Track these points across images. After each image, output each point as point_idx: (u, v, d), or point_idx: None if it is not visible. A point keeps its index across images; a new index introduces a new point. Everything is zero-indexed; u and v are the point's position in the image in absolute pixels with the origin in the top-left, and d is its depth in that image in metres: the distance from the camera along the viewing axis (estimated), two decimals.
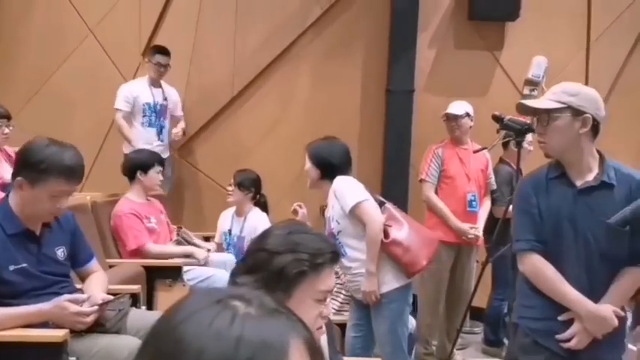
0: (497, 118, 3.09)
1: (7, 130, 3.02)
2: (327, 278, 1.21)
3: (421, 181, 3.41)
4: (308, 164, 2.43)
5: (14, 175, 1.84)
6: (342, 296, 2.79)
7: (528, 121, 3.23)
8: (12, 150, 2.87)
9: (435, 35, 4.47)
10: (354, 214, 2.26)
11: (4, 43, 4.35)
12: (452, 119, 3.37)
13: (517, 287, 1.90)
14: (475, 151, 3.33)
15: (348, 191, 2.30)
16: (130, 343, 1.84)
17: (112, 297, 1.93)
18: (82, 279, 2.06)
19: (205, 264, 3.04)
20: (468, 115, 3.41)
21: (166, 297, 2.66)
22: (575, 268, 1.71)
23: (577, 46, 4.46)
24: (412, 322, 2.93)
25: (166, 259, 2.92)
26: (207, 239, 3.69)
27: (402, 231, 2.28)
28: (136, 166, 3.09)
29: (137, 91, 3.92)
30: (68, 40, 4.34)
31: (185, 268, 2.86)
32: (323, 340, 1.80)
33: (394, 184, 4.39)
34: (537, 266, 1.73)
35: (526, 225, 1.76)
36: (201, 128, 4.42)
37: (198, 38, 4.33)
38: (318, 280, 1.20)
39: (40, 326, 1.77)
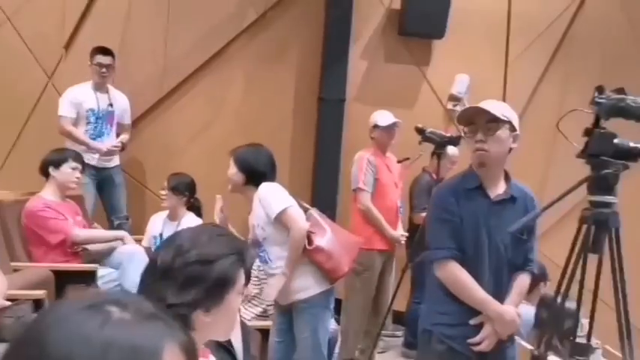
0: (419, 130, 3.25)
1: None
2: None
3: (357, 189, 3.41)
4: (233, 169, 2.43)
5: None
6: (265, 302, 2.80)
7: (448, 134, 3.42)
8: None
9: (367, 47, 4.61)
10: (280, 221, 2.29)
11: None
12: (387, 129, 3.45)
13: (429, 294, 1.93)
14: (399, 161, 3.47)
15: (274, 198, 2.33)
16: None
17: (9, 303, 1.82)
18: None
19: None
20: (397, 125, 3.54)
21: None
22: (486, 274, 1.83)
23: (496, 65, 4.76)
24: (333, 326, 2.99)
25: (96, 243, 2.80)
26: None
27: (325, 237, 2.32)
28: (47, 161, 2.95)
29: (81, 96, 3.72)
30: None
31: (100, 273, 2.75)
32: (238, 344, 1.81)
33: (324, 191, 4.47)
34: (456, 273, 1.80)
35: (445, 233, 1.82)
36: None
37: (127, 34, 4.19)
38: (242, 274, 1.20)
39: None
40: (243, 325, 1.90)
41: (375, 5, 4.58)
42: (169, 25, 4.24)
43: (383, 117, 3.50)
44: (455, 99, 4.05)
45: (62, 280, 2.50)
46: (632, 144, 1.62)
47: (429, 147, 3.45)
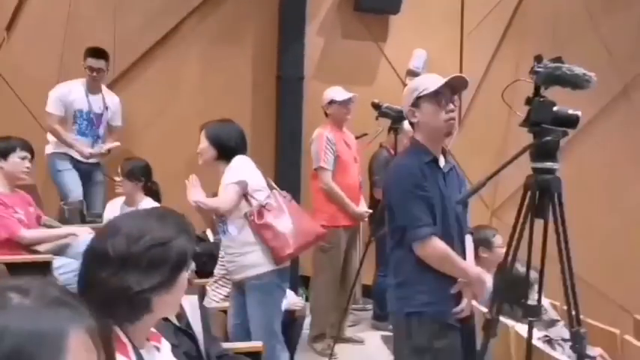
0: (375, 106, 3.27)
1: None
2: None
3: (319, 169, 3.40)
4: (204, 144, 2.42)
5: None
6: (230, 285, 2.80)
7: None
8: None
9: (323, 24, 4.58)
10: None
11: None
12: (344, 104, 3.46)
13: (404, 276, 1.86)
14: (357, 137, 3.49)
15: (235, 170, 2.36)
16: None
17: None
18: None
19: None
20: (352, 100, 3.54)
21: None
22: (455, 242, 1.88)
23: (452, 41, 4.81)
24: (300, 303, 3.03)
25: (45, 243, 2.73)
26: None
27: (279, 218, 2.34)
28: None
29: (73, 95, 3.63)
30: None
31: (56, 264, 2.68)
32: (198, 327, 1.82)
33: (287, 170, 4.47)
34: (440, 248, 1.81)
35: (423, 210, 1.81)
36: None
37: (73, 11, 4.02)
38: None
39: None
40: (202, 307, 1.90)
41: None
42: (116, 2, 4.10)
43: (338, 92, 3.50)
44: (413, 74, 4.06)
45: (16, 273, 2.43)
46: (570, 111, 1.68)
47: (387, 122, 3.49)
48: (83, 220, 3.45)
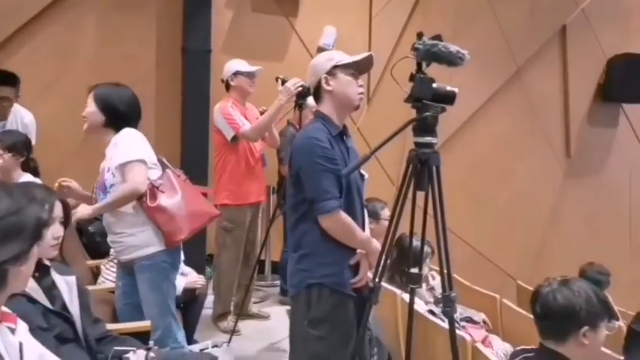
0: (280, 80, 3.24)
1: None
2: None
3: (240, 134, 3.25)
4: (92, 107, 2.22)
5: None
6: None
7: (308, 84, 3.44)
8: None
9: None
10: (122, 171, 2.16)
11: None
12: (250, 76, 3.38)
13: (309, 248, 1.87)
14: (261, 112, 3.44)
15: (127, 147, 2.18)
16: None
17: None
18: None
19: None
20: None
21: None
22: (357, 214, 1.93)
23: (361, 19, 4.87)
24: (195, 280, 2.97)
25: None
26: None
27: (173, 199, 2.21)
28: None
29: None
30: None
31: None
32: (75, 308, 1.73)
33: (194, 147, 4.34)
34: (344, 221, 1.84)
35: (330, 183, 1.82)
36: None
37: None
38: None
39: None
40: (81, 288, 1.80)
41: None
42: None
43: (242, 64, 3.43)
44: (323, 51, 4.07)
45: None
46: (448, 88, 1.75)
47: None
48: None
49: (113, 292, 2.47)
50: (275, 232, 4.25)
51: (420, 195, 1.77)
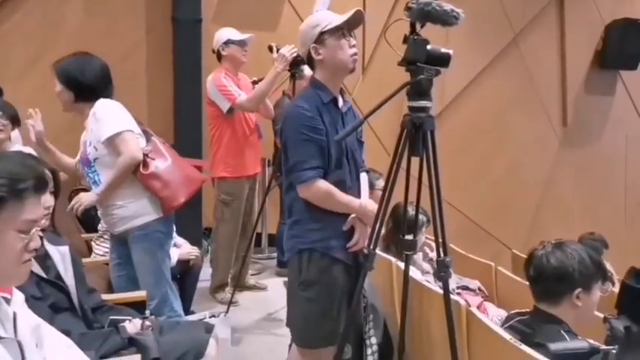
0: (271, 49, 3.18)
1: None
2: (32, 207, 1.13)
3: (236, 105, 3.19)
4: (58, 86, 2.16)
5: None
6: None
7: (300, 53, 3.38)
8: None
9: None
10: (112, 144, 2.13)
11: None
12: (242, 44, 3.32)
13: (298, 215, 1.89)
14: (253, 82, 3.39)
15: (111, 118, 2.13)
16: None
17: None
18: None
19: None
20: None
21: None
22: (348, 180, 1.91)
23: None
24: (190, 251, 2.97)
25: None
26: None
27: (164, 165, 2.19)
28: None
29: None
30: None
31: None
32: (70, 280, 1.72)
33: (187, 119, 4.29)
34: (321, 189, 1.83)
35: (311, 153, 1.81)
36: None
37: None
38: (22, 209, 1.11)
39: None
40: (75, 258, 1.79)
41: None
42: None
43: (233, 32, 3.36)
44: None
45: None
46: (442, 50, 1.70)
47: None
48: None
49: (107, 264, 2.47)
50: (271, 205, 4.25)
51: (415, 164, 1.75)
